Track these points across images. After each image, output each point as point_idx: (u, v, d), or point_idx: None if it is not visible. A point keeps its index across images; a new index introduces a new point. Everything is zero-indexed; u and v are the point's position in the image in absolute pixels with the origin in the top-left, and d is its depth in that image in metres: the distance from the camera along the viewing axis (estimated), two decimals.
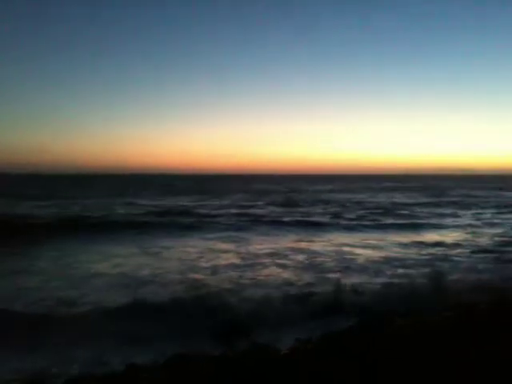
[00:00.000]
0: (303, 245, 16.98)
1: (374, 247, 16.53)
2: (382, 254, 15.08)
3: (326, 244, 17.15)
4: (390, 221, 25.76)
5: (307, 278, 11.39)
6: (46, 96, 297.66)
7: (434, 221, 25.74)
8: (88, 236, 18.02)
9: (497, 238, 18.79)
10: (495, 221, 25.88)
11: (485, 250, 15.82)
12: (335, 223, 24.52)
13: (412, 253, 15.38)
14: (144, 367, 5.69)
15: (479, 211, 32.12)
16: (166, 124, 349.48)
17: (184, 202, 40.53)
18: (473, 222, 25.14)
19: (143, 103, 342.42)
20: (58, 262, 13.07)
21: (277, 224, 23.53)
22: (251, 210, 31.63)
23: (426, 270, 11.80)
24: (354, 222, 24.81)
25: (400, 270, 12.52)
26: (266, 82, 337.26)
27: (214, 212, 30.20)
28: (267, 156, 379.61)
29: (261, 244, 17.09)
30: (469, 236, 19.74)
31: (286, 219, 25.79)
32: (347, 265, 13.14)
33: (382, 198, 48.07)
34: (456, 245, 17.17)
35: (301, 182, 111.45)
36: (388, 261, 13.83)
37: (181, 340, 7.01)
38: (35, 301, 8.72)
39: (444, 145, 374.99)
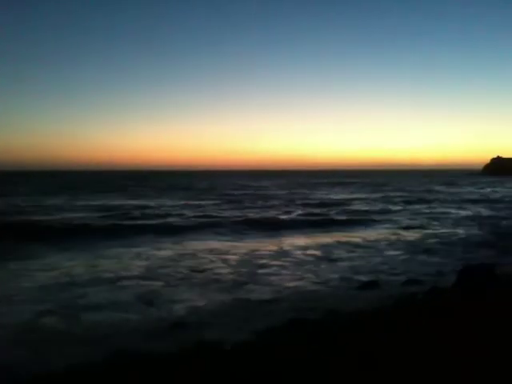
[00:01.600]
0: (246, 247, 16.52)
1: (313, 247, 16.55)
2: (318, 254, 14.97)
3: (266, 245, 16.75)
4: (334, 217, 26.27)
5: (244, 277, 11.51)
6: None
7: (372, 217, 26.24)
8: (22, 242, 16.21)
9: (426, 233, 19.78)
10: (429, 214, 27.33)
11: (412, 245, 16.67)
12: (282, 222, 24.27)
13: (340, 252, 15.27)
14: (86, 368, 5.53)
15: (418, 206, 33.56)
16: (99, 119, 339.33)
17: (128, 200, 38.60)
18: (408, 217, 26.31)
19: (81, 99, 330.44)
20: None
21: (232, 225, 22.32)
22: (200, 210, 30.23)
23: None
24: (299, 218, 25.40)
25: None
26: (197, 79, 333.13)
27: (165, 211, 29.01)
28: (203, 152, 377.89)
29: (210, 246, 16.57)
30: (401, 231, 20.62)
31: (239, 219, 24.73)
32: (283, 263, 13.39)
33: (324, 195, 49.09)
34: (386, 241, 17.71)
35: (238, 178, 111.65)
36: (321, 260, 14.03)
37: (124, 339, 6.95)
38: None
39: (382, 140, 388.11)
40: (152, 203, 35.83)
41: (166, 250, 15.43)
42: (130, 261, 13.50)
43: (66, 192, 48.86)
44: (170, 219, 24.84)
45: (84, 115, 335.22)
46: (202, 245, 16.73)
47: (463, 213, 29.16)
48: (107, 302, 9.02)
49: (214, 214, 27.86)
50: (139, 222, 23.58)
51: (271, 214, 28.19)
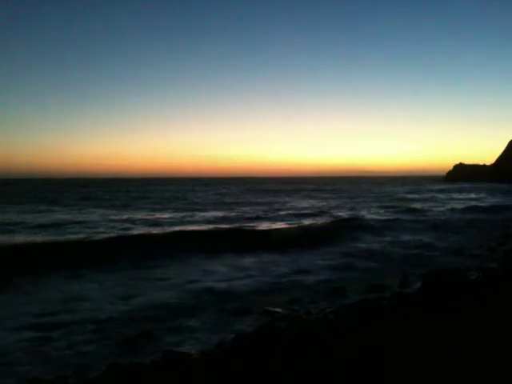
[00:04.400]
0: None
1: None
2: None
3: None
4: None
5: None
6: None
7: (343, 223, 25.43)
8: None
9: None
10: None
11: (378, 252, 16.54)
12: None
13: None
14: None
15: (383, 211, 33.41)
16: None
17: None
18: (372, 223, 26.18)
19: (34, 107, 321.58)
20: None
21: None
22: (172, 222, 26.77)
23: None
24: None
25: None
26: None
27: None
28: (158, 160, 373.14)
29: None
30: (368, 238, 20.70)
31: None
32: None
33: (295, 203, 48.75)
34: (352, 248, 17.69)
35: (199, 185, 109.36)
36: None
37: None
38: None
39: (349, 148, 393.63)
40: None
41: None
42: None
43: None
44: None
45: (36, 122, 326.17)
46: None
47: (424, 218, 29.61)
48: None
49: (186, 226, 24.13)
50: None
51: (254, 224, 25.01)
